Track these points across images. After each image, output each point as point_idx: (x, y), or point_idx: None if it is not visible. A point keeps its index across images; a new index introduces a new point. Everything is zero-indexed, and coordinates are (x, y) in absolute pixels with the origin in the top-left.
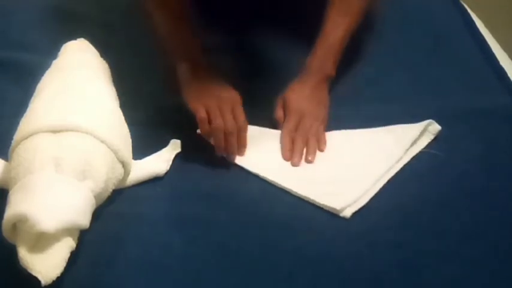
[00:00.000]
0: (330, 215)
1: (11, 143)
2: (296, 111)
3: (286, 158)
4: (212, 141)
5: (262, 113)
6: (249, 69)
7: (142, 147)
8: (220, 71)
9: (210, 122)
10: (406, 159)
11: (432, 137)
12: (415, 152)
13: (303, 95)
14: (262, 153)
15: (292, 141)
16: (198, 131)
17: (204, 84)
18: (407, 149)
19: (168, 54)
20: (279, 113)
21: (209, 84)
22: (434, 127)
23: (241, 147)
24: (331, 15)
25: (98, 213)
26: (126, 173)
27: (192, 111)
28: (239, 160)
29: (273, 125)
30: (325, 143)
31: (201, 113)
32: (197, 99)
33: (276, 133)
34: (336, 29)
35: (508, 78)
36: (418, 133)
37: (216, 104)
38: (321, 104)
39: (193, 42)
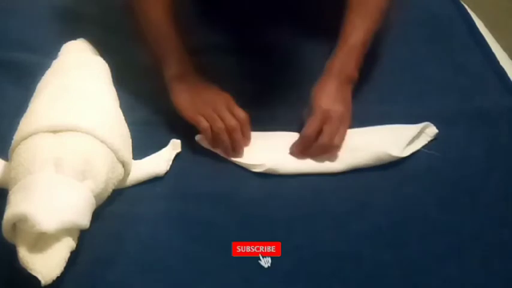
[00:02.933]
0: (330, 215)
1: (11, 143)
2: (323, 111)
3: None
4: (217, 150)
5: (261, 114)
6: (249, 70)
7: (142, 147)
8: (218, 71)
9: (211, 127)
10: (401, 156)
11: (429, 139)
12: (410, 152)
13: (329, 95)
14: (269, 149)
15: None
16: (197, 138)
17: (195, 91)
18: (404, 149)
19: (153, 56)
20: (307, 112)
21: (200, 90)
22: (432, 130)
23: (246, 139)
24: (350, 18)
25: (98, 213)
26: (126, 173)
27: (192, 122)
28: (247, 159)
29: (274, 127)
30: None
31: (203, 123)
32: (193, 109)
33: (281, 134)
34: (356, 31)
35: (508, 78)
36: (415, 134)
37: (211, 108)
38: (346, 105)
39: (180, 45)
